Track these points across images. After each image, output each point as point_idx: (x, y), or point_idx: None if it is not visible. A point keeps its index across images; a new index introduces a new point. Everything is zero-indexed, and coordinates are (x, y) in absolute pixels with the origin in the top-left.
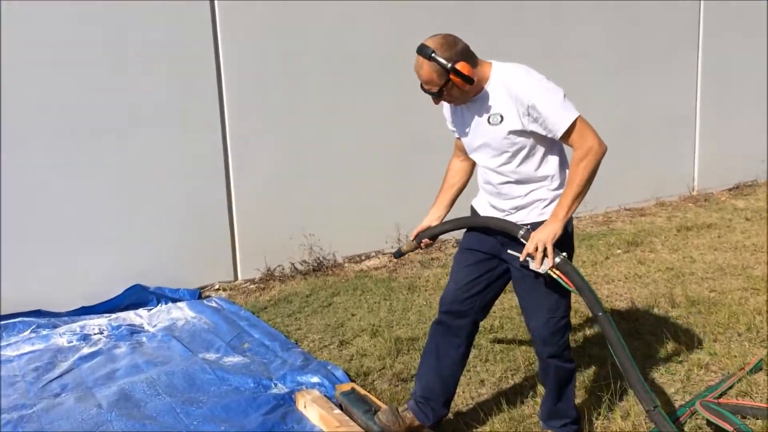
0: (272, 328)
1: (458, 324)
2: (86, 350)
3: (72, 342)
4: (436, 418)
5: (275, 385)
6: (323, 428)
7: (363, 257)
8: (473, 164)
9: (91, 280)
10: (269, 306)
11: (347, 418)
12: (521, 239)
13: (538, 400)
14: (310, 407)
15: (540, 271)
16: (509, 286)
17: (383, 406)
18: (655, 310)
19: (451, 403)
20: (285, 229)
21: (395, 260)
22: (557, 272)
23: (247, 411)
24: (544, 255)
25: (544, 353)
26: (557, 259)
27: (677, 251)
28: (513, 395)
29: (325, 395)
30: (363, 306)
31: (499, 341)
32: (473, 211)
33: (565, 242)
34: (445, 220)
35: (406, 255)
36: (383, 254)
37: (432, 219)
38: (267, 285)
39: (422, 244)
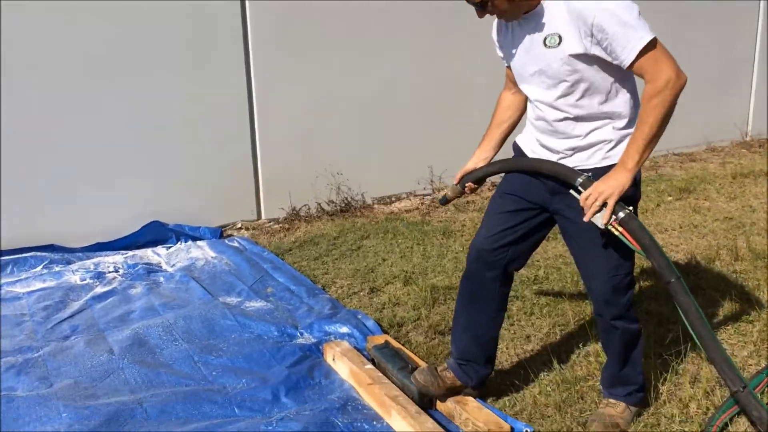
0: (297, 272)
1: (489, 276)
2: (100, 289)
3: (85, 280)
4: (478, 379)
5: (301, 334)
6: (354, 384)
7: (393, 199)
8: (526, 98)
9: (107, 216)
10: (294, 248)
11: (380, 374)
12: (579, 188)
13: (592, 359)
14: (340, 360)
15: (600, 226)
16: (554, 234)
17: (421, 363)
18: (717, 264)
19: (494, 361)
20: (311, 167)
21: (430, 204)
22: (620, 229)
23: (270, 362)
24: (602, 207)
25: (606, 315)
26: (621, 214)
27: (734, 199)
28: (563, 353)
29: (356, 347)
30: (395, 251)
31: (545, 293)
32: (517, 150)
33: (631, 195)
34: (493, 161)
35: (451, 200)
36: (415, 196)
37: (477, 161)
38: (292, 225)
39: (466, 189)
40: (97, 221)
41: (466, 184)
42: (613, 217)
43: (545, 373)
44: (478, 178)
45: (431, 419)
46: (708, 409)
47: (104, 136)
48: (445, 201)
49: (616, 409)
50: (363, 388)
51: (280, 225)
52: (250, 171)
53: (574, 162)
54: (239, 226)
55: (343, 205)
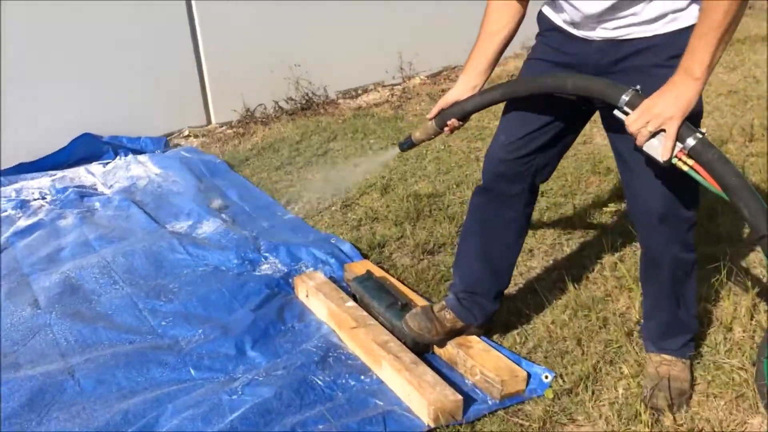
0: (256, 187)
1: (511, 192)
2: (23, 222)
3: (6, 211)
4: (484, 317)
5: (265, 259)
6: (334, 328)
7: (360, 91)
8: (526, 2)
9: (31, 131)
10: (251, 157)
11: (364, 313)
12: (624, 108)
13: (608, 274)
14: (315, 297)
15: (660, 160)
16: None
17: (411, 296)
18: (730, 146)
19: (503, 294)
20: (265, 60)
21: (401, 96)
22: (690, 162)
23: (231, 304)
24: (654, 134)
25: (658, 240)
26: (691, 141)
27: (735, 70)
28: (573, 269)
29: (331, 278)
30: (367, 153)
31: (542, 194)
32: (545, 23)
33: (697, 112)
34: (485, 89)
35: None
36: (384, 87)
37: (462, 91)
38: (247, 129)
39: (447, 127)
40: (19, 138)
41: (447, 122)
42: (679, 146)
43: (556, 296)
44: (464, 112)
45: (430, 370)
46: (755, 331)
47: (25, 38)
48: (409, 145)
49: (675, 368)
50: (345, 332)
51: (234, 130)
52: (193, 66)
53: (623, 27)
54: (186, 133)
55: (304, 102)
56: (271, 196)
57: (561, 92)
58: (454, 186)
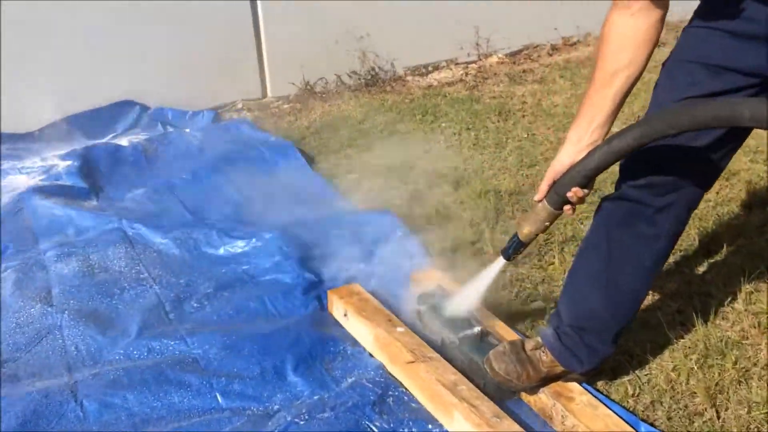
0: (312, 170)
1: (660, 204)
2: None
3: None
4: (593, 363)
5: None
6: (383, 359)
7: (431, 68)
8: (664, 15)
9: (68, 101)
10: (308, 135)
11: (421, 342)
12: None
13: (740, 307)
14: (356, 318)
15: None
16: None
17: (495, 329)
18: None
19: (620, 337)
20: (328, 30)
21: (477, 74)
22: None
23: (272, 316)
24: None
25: None
26: None
27: None
28: (696, 299)
29: (374, 294)
30: (438, 139)
31: None
32: None
33: None
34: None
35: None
36: (457, 65)
37: (575, 152)
38: (305, 105)
39: (568, 206)
40: (54, 107)
41: (567, 194)
42: None
43: (678, 333)
44: (589, 173)
45: (518, 427)
46: None
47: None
48: (517, 248)
49: None
50: (399, 367)
51: (291, 105)
52: (251, 33)
53: None
54: (240, 106)
55: (369, 77)
56: (329, 182)
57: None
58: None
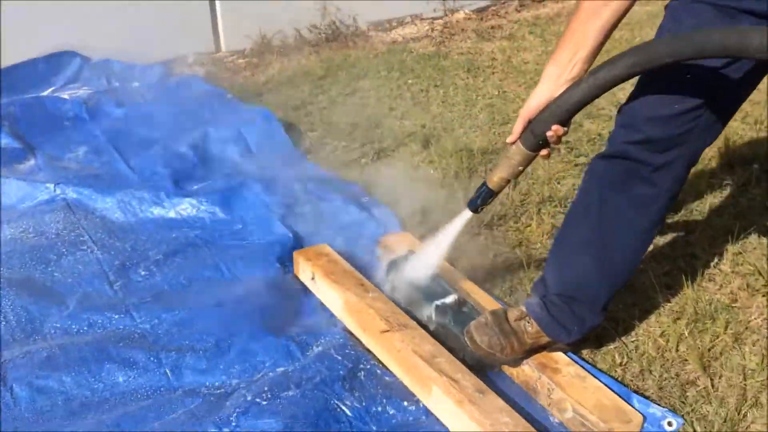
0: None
1: (658, 161)
2: None
3: None
4: (581, 333)
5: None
6: (354, 327)
7: (395, 23)
8: None
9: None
10: (265, 92)
11: (397, 310)
12: None
13: (727, 269)
14: (324, 282)
15: None
16: None
17: (473, 296)
18: None
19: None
20: None
21: (443, 30)
22: None
23: (228, 282)
24: None
25: None
26: None
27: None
28: (682, 260)
29: (344, 255)
30: (404, 96)
31: None
32: None
33: None
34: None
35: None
36: (422, 20)
37: (554, 88)
38: (262, 60)
39: (545, 150)
40: None
41: (546, 132)
42: None
43: (665, 297)
44: (570, 109)
45: (503, 403)
46: None
47: None
48: (486, 198)
49: None
50: (372, 337)
51: (246, 59)
52: None
53: None
54: (191, 60)
55: (330, 31)
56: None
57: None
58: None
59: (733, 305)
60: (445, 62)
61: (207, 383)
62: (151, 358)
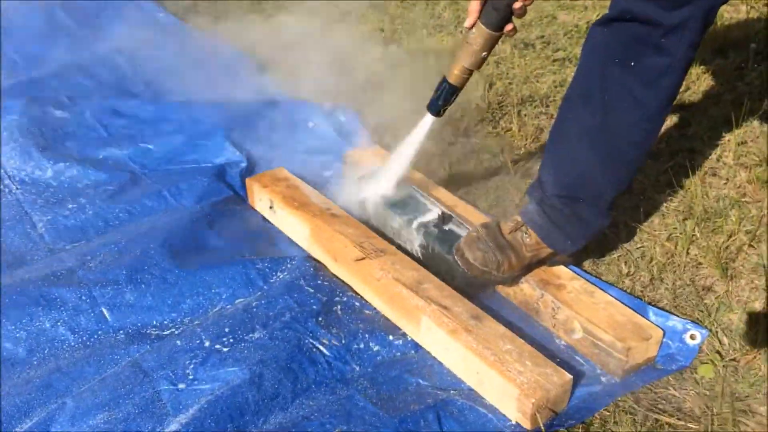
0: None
1: (672, 20)
2: None
3: None
4: (585, 239)
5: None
6: (325, 259)
7: None
8: None
9: None
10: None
11: (372, 234)
12: None
13: (729, 161)
14: (285, 210)
15: None
16: None
17: (458, 212)
18: None
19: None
20: None
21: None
22: None
23: (171, 210)
24: None
25: None
26: None
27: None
28: (681, 153)
29: (303, 177)
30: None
31: None
32: None
33: None
34: None
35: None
36: None
37: None
38: None
39: (510, 25)
40: None
41: (513, 3)
42: None
43: (666, 195)
44: None
45: (503, 328)
46: None
47: None
48: (447, 96)
49: None
50: (346, 266)
51: None
52: None
53: None
54: None
55: None
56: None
57: None
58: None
59: (743, 200)
60: None
61: (154, 322)
62: (83, 297)
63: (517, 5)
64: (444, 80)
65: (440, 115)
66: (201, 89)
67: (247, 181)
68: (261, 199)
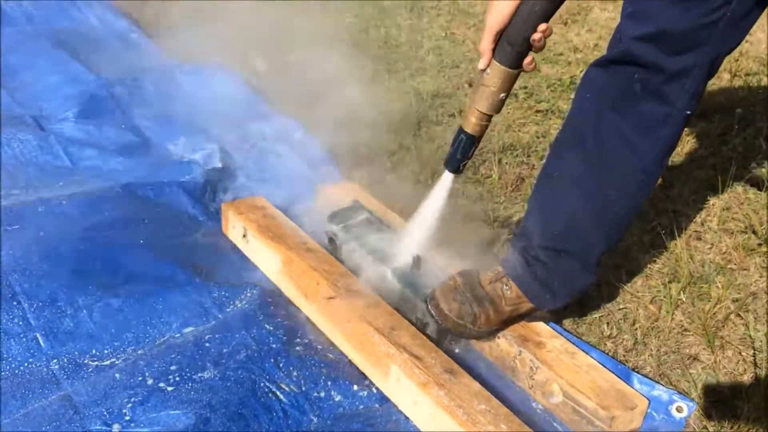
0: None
1: (674, 66)
2: None
3: None
4: (570, 296)
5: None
6: (295, 296)
7: None
8: None
9: None
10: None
11: (344, 270)
12: None
13: (714, 226)
14: (259, 239)
15: None
16: None
17: (440, 265)
18: None
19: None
20: None
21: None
22: None
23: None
24: None
25: None
26: None
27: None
28: (664, 216)
29: (279, 208)
30: (342, 35)
31: None
32: None
33: None
34: None
35: None
36: None
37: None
38: None
39: (528, 58)
40: None
41: (533, 36)
42: None
43: (650, 256)
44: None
45: (478, 385)
46: None
47: None
48: (467, 149)
49: None
50: (316, 304)
51: None
52: None
53: None
54: None
55: None
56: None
57: None
58: (466, 85)
59: (729, 266)
60: (385, 2)
61: (92, 352)
62: (14, 318)
63: (536, 37)
64: (460, 131)
65: (460, 171)
66: None
67: (223, 206)
68: (234, 227)
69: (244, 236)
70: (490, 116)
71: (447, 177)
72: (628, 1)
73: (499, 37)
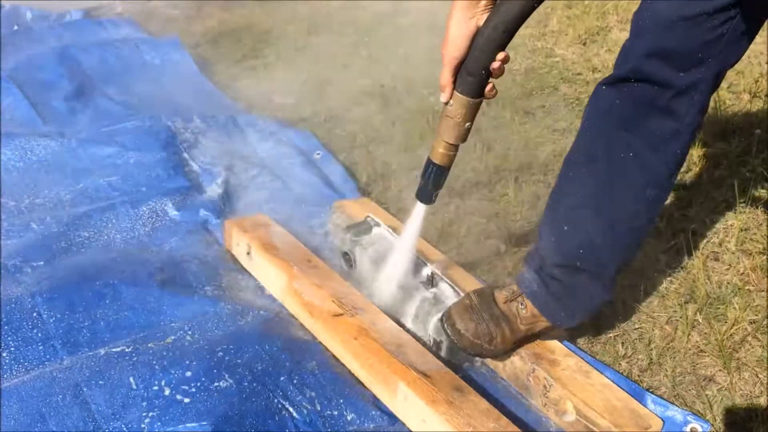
0: (209, 82)
1: (682, 82)
2: None
3: None
4: (586, 313)
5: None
6: (300, 315)
7: None
8: None
9: None
10: (204, 43)
11: (351, 290)
12: None
13: (732, 247)
14: (263, 257)
15: None
16: None
17: (455, 282)
18: None
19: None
20: None
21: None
22: None
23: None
24: None
25: None
26: None
27: None
28: (682, 234)
29: (286, 226)
30: (360, 53)
31: None
32: None
33: None
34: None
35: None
36: None
37: (469, 16)
38: (200, 11)
39: (489, 85)
40: None
41: (491, 65)
42: None
43: (666, 276)
44: (511, 28)
45: (488, 404)
46: None
47: None
48: (437, 180)
49: None
50: (322, 323)
51: (182, 9)
52: None
53: None
54: (119, 10)
55: None
56: (228, 98)
57: None
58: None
59: (746, 288)
60: (404, 20)
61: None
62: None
63: (495, 66)
64: (429, 162)
65: (432, 201)
66: None
67: (226, 223)
68: (239, 244)
69: (248, 253)
70: (457, 146)
71: (420, 208)
72: (635, 21)
73: (458, 68)
